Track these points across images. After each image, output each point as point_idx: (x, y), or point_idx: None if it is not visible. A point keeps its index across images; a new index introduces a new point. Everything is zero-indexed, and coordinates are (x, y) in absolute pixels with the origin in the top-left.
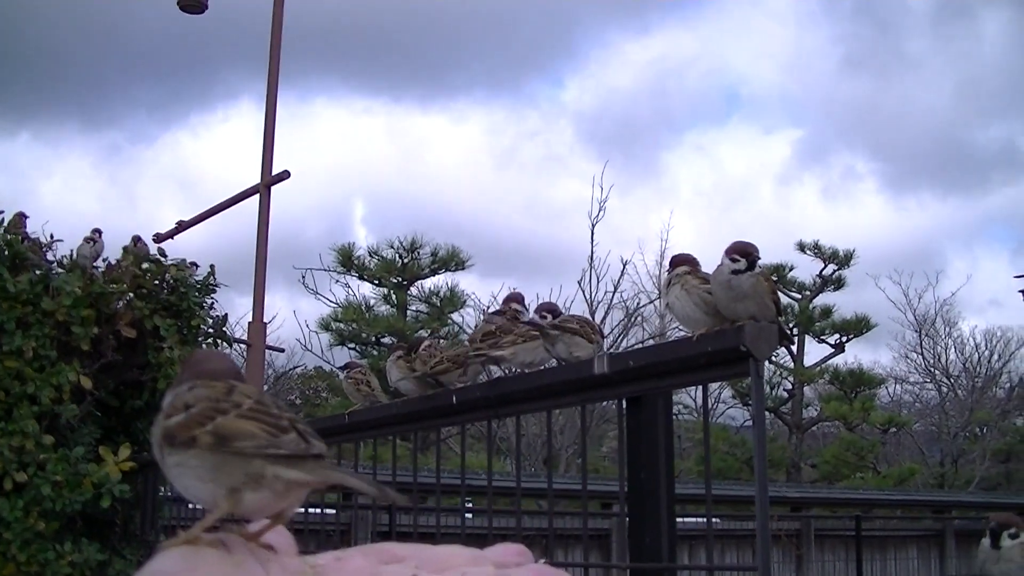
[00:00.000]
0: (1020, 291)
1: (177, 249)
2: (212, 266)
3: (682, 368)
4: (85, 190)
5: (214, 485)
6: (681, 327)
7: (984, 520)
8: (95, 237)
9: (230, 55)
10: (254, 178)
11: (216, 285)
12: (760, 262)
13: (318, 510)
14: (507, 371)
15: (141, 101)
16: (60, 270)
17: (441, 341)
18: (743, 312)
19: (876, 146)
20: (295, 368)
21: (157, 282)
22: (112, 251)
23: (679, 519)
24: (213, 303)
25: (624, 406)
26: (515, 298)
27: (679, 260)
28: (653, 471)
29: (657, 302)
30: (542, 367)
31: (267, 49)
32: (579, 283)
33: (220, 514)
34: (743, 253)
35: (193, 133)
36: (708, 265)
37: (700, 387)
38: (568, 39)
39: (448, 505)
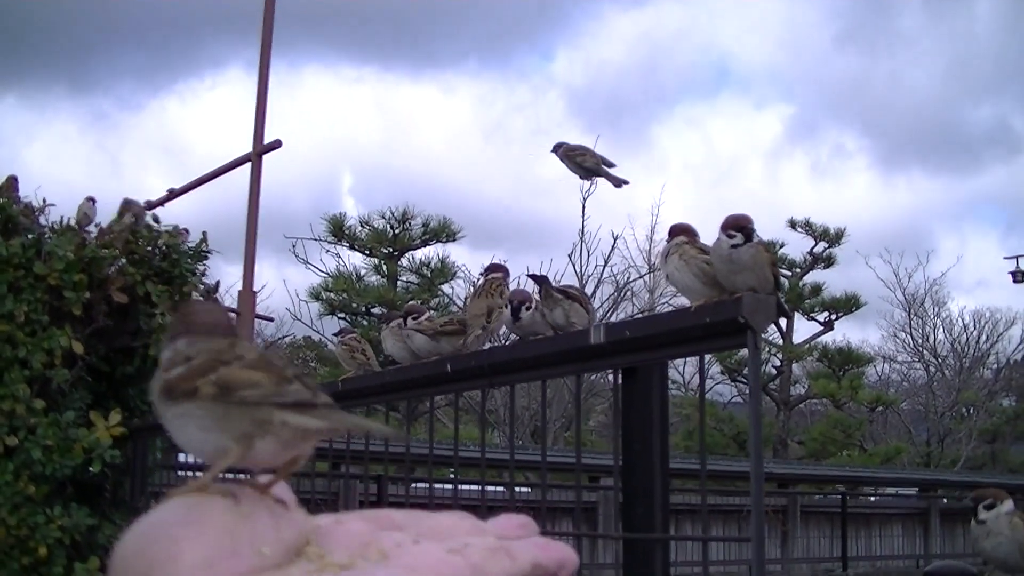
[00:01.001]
0: (1010, 272)
1: (166, 217)
2: (204, 233)
3: (679, 339)
4: (72, 156)
5: (220, 433)
6: (678, 297)
7: (969, 500)
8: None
9: (218, 22)
10: (242, 146)
11: (208, 252)
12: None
13: (307, 480)
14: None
15: (129, 67)
16: (52, 234)
17: (432, 312)
18: (742, 284)
19: (867, 123)
20: (284, 338)
21: (149, 248)
22: (102, 218)
23: None
24: (205, 270)
25: (619, 377)
26: (498, 267)
27: (677, 229)
28: (647, 443)
29: (647, 277)
30: (538, 336)
31: (255, 16)
32: (569, 256)
33: (230, 460)
34: (738, 227)
35: (181, 100)
36: (703, 238)
37: (695, 359)
38: (559, 11)
39: (439, 477)
